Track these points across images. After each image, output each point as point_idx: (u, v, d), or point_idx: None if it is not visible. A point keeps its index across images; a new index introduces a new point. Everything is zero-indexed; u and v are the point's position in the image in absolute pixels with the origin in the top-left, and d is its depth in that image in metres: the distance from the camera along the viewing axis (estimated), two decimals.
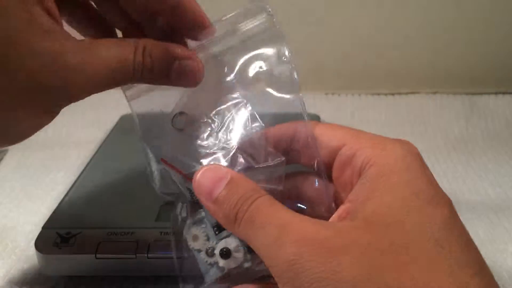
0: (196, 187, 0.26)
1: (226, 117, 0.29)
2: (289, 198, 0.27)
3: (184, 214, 0.28)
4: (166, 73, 0.27)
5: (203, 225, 0.27)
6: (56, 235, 0.35)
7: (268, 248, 0.22)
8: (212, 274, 0.27)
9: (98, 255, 0.34)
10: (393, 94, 0.70)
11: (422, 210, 0.21)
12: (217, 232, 0.27)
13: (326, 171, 0.27)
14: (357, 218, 0.22)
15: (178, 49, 0.27)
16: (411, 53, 0.70)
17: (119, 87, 0.28)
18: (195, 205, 0.28)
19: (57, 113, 0.25)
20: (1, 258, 0.40)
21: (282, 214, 0.23)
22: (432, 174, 0.24)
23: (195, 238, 0.27)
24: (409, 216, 0.21)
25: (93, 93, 0.25)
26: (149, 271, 0.35)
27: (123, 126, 0.56)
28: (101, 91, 0.26)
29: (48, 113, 0.25)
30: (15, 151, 0.57)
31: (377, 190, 0.23)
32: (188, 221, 0.28)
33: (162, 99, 0.30)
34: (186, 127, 0.29)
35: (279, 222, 0.22)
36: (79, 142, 0.59)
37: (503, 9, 0.67)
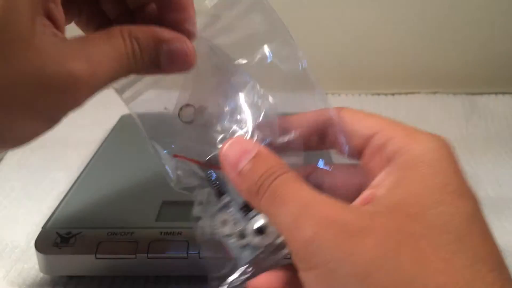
0: (222, 158, 0.25)
1: (236, 100, 0.28)
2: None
3: (205, 204, 0.28)
4: (155, 57, 0.26)
5: (230, 210, 0.27)
6: (56, 235, 0.35)
7: (288, 226, 0.22)
8: (246, 256, 0.26)
9: (98, 255, 0.34)
10: (393, 94, 0.70)
11: (447, 203, 0.21)
12: (245, 213, 0.26)
13: (356, 158, 0.27)
14: (380, 204, 0.22)
15: (164, 32, 0.26)
16: (411, 53, 0.70)
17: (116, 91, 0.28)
18: (218, 192, 0.28)
19: (56, 120, 0.25)
20: (1, 258, 0.40)
21: (304, 192, 0.23)
22: (462, 169, 0.24)
23: (224, 222, 0.27)
24: (434, 207, 0.21)
25: (89, 96, 0.25)
26: (149, 271, 0.35)
27: (123, 126, 0.56)
28: (98, 92, 0.25)
29: (46, 118, 0.25)
30: (15, 151, 0.57)
31: (404, 179, 0.22)
32: (212, 209, 0.27)
33: (160, 98, 0.30)
34: (195, 118, 0.29)
35: (301, 200, 0.22)
36: (79, 142, 0.59)
37: (503, 9, 0.67)
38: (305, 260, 0.21)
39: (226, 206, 0.27)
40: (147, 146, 0.29)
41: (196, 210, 0.28)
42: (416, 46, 0.69)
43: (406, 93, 0.69)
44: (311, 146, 0.28)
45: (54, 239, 0.35)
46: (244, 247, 0.26)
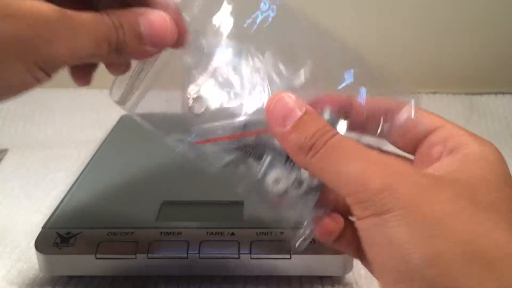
0: (268, 114, 0.25)
1: (245, 75, 0.28)
2: None
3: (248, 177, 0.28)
4: (136, 30, 0.26)
5: (276, 168, 0.27)
6: (56, 235, 0.35)
7: (354, 177, 0.22)
8: (311, 200, 0.27)
9: (98, 255, 0.34)
10: None
11: (508, 191, 0.23)
12: (292, 163, 0.26)
13: (411, 147, 0.28)
14: (446, 178, 0.23)
15: (141, 9, 0.27)
16: (411, 53, 0.70)
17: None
18: (258, 155, 0.27)
19: (39, 79, 0.25)
20: (1, 258, 0.40)
21: (367, 150, 0.24)
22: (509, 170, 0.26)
23: (277, 181, 0.27)
24: (497, 191, 0.23)
25: (73, 61, 0.26)
26: (149, 271, 0.35)
27: (123, 126, 0.56)
28: (80, 61, 0.26)
29: (33, 72, 0.25)
30: (15, 151, 0.57)
31: (467, 167, 0.24)
32: (258, 174, 0.27)
33: (159, 97, 0.29)
34: (206, 108, 0.29)
35: (366, 155, 0.23)
36: (79, 142, 0.59)
37: (503, 9, 0.67)
38: (376, 207, 0.22)
39: (270, 167, 0.27)
40: (167, 141, 0.29)
41: (241, 189, 0.28)
42: (416, 46, 0.69)
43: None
44: (368, 129, 0.28)
45: (54, 239, 0.35)
46: (307, 192, 0.27)
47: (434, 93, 0.69)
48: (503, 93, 0.69)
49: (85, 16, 0.25)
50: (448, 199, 0.22)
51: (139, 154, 0.48)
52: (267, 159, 0.27)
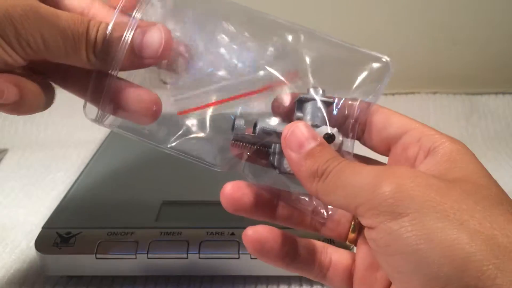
0: (287, 138, 0.26)
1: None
2: None
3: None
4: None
5: None
6: (56, 235, 0.35)
7: (363, 188, 0.23)
8: None
9: (98, 255, 0.34)
10: (393, 94, 0.70)
11: (495, 183, 0.24)
12: None
13: (382, 149, 0.29)
14: (443, 178, 0.24)
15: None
16: (411, 53, 0.70)
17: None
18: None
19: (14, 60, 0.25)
20: (1, 258, 0.40)
21: (375, 165, 0.24)
22: None
23: None
24: (491, 186, 0.24)
25: (47, 54, 0.25)
26: (149, 271, 0.35)
27: None
28: (57, 58, 0.26)
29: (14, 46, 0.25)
30: (15, 151, 0.57)
31: (456, 163, 0.25)
32: (274, 161, 0.28)
33: None
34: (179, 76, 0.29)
35: (374, 167, 0.24)
36: (79, 142, 0.59)
37: (503, 9, 0.67)
38: (389, 211, 0.21)
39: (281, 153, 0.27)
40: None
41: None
42: (416, 46, 0.69)
43: (406, 93, 0.69)
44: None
45: (54, 239, 0.35)
46: None
47: (434, 93, 0.69)
48: (503, 93, 0.69)
49: (66, 16, 0.25)
50: (460, 198, 0.22)
51: (139, 154, 0.48)
52: (277, 145, 0.28)
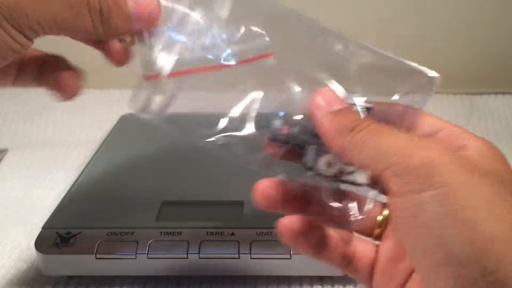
0: (315, 99, 0.26)
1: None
2: None
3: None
4: (122, 5, 0.27)
5: (324, 153, 0.27)
6: (56, 235, 0.35)
7: (395, 151, 0.22)
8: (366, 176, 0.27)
9: (98, 255, 0.34)
10: None
11: None
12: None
13: None
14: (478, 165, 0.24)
15: None
16: (411, 53, 0.70)
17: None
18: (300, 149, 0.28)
19: (21, 42, 0.26)
20: (1, 258, 0.40)
21: (408, 133, 0.24)
22: None
23: (329, 164, 0.27)
24: None
25: (55, 30, 0.26)
26: (149, 271, 0.35)
27: (123, 126, 0.56)
28: (65, 32, 0.27)
29: (13, 35, 0.25)
30: (15, 151, 0.57)
31: (486, 157, 0.24)
32: (308, 161, 0.27)
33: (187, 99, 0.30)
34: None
35: (409, 134, 0.24)
36: (79, 142, 0.59)
37: (503, 9, 0.67)
38: (421, 181, 0.21)
39: (317, 153, 0.27)
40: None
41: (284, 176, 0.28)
42: (416, 46, 0.69)
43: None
44: None
45: (54, 239, 0.35)
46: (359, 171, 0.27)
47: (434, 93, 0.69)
48: (503, 93, 0.69)
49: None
50: (492, 185, 0.21)
51: (139, 154, 0.48)
52: (312, 147, 0.27)
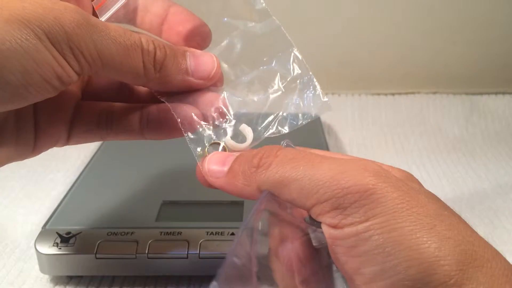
0: (207, 170, 0.25)
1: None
2: None
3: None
4: (179, 58, 0.27)
5: None
6: (56, 235, 0.35)
7: (328, 182, 0.21)
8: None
9: (98, 255, 0.34)
10: (393, 94, 0.70)
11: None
12: None
13: None
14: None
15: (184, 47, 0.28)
16: (411, 53, 0.70)
17: None
18: None
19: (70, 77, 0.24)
20: (1, 258, 0.40)
21: (330, 153, 0.24)
22: None
23: None
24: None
25: (104, 70, 0.24)
26: (149, 271, 0.35)
27: None
28: (113, 74, 0.25)
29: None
30: None
31: (403, 176, 0.24)
32: None
33: None
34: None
35: (334, 157, 0.22)
36: None
37: (503, 9, 0.67)
38: (359, 212, 0.20)
39: None
40: None
41: None
42: (416, 46, 0.69)
43: (406, 93, 0.69)
44: None
45: (54, 239, 0.35)
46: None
47: (434, 93, 0.69)
48: (503, 93, 0.69)
49: (114, 26, 0.24)
50: (427, 202, 0.21)
51: (139, 154, 0.48)
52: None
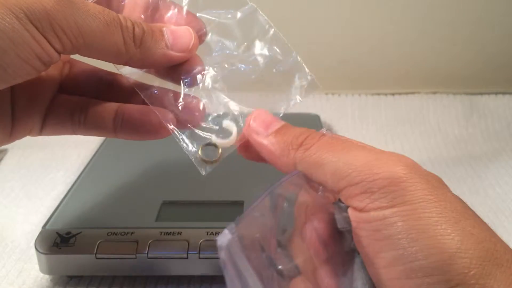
0: (250, 125, 0.26)
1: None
2: None
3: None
4: (157, 34, 0.27)
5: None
6: (56, 235, 0.35)
7: (360, 167, 0.22)
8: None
9: (98, 255, 0.34)
10: (393, 94, 0.70)
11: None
12: None
13: None
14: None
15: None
16: (411, 53, 0.70)
17: None
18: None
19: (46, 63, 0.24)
20: (1, 258, 0.40)
21: (366, 144, 0.24)
22: None
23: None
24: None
25: (86, 47, 0.25)
26: (149, 271, 0.35)
27: None
28: (97, 53, 0.25)
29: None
30: (15, 151, 0.57)
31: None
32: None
33: None
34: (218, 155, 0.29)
35: (369, 147, 0.23)
36: (79, 142, 0.59)
37: (503, 9, 0.67)
38: (387, 198, 0.21)
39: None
40: None
41: None
42: (416, 46, 0.69)
43: (406, 93, 0.69)
44: None
45: (54, 239, 0.35)
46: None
47: (434, 93, 0.69)
48: (503, 93, 0.69)
49: (93, 4, 0.25)
50: (454, 199, 0.22)
51: (139, 154, 0.48)
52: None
